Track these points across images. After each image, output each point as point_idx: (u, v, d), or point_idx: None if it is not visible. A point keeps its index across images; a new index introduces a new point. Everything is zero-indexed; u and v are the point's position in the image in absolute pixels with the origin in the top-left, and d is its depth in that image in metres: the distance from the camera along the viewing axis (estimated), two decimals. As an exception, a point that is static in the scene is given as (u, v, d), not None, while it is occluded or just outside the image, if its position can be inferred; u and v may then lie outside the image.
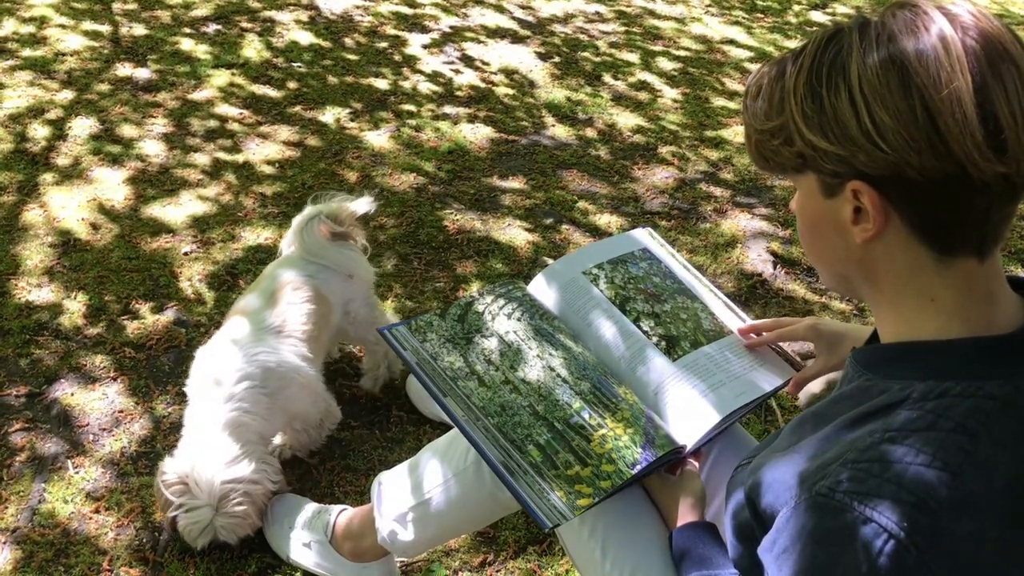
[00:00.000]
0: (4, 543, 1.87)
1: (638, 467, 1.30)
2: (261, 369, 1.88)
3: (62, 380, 2.25)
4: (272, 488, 1.86)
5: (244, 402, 1.84)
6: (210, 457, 1.77)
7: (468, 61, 4.08)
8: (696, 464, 1.41)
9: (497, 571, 1.89)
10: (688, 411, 1.42)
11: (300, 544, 1.83)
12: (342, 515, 1.83)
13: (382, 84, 3.80)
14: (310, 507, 1.87)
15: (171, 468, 1.79)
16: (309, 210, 2.12)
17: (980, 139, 0.79)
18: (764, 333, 1.50)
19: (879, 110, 0.81)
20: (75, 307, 2.47)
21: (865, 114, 0.82)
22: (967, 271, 0.88)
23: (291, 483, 2.03)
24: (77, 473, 2.03)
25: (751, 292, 2.74)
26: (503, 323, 1.51)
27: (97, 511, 1.95)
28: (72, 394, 2.22)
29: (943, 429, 0.82)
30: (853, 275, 0.95)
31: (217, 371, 1.87)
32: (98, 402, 2.20)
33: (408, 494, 1.60)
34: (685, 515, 1.30)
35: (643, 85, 4.03)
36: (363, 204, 2.17)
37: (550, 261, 2.62)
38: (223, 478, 1.76)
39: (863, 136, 0.82)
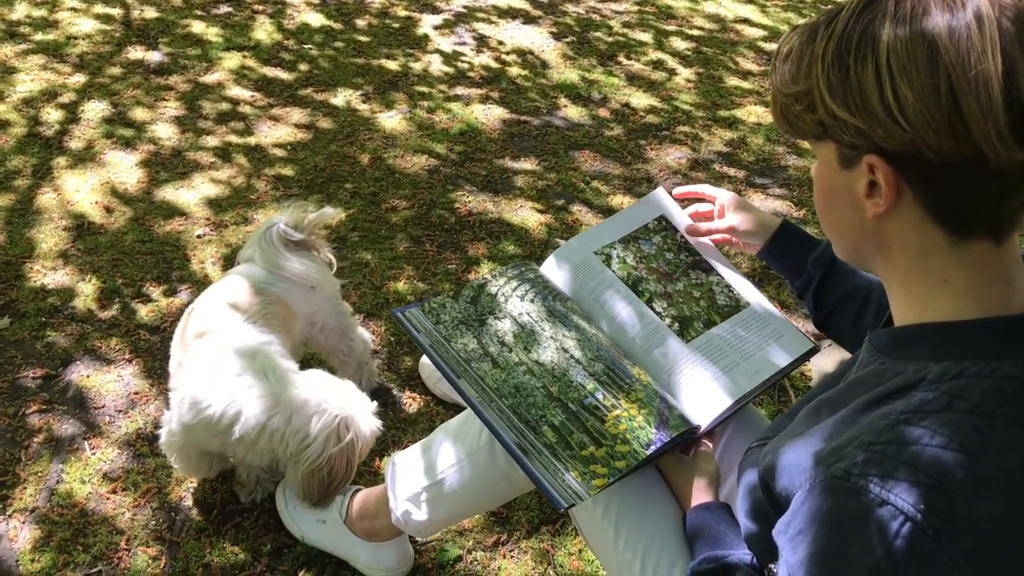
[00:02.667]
0: (24, 523, 1.89)
1: (652, 447, 1.31)
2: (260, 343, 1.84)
3: (78, 362, 2.27)
4: None
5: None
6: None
7: (480, 42, 4.06)
8: (710, 445, 1.41)
9: (510, 551, 1.90)
10: (701, 394, 1.41)
11: (315, 523, 1.84)
12: (356, 495, 1.84)
13: (394, 65, 3.79)
14: (325, 488, 1.88)
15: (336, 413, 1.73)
16: (268, 219, 1.98)
17: (1003, 125, 0.77)
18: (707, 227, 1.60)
19: (903, 86, 0.79)
20: (89, 290, 2.49)
21: (888, 89, 0.80)
22: (982, 254, 0.87)
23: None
24: (94, 454, 2.04)
25: (764, 272, 2.73)
26: (516, 305, 1.51)
27: (114, 491, 1.97)
28: (88, 376, 2.23)
29: (959, 410, 0.81)
30: (866, 249, 0.94)
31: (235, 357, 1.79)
32: (113, 384, 2.22)
33: (422, 474, 1.61)
34: (699, 495, 1.30)
35: (656, 65, 4.00)
36: (328, 213, 2.04)
37: (562, 242, 2.61)
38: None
39: (884, 111, 0.81)
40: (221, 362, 1.76)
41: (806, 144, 3.44)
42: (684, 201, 1.67)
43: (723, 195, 1.59)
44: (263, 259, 1.97)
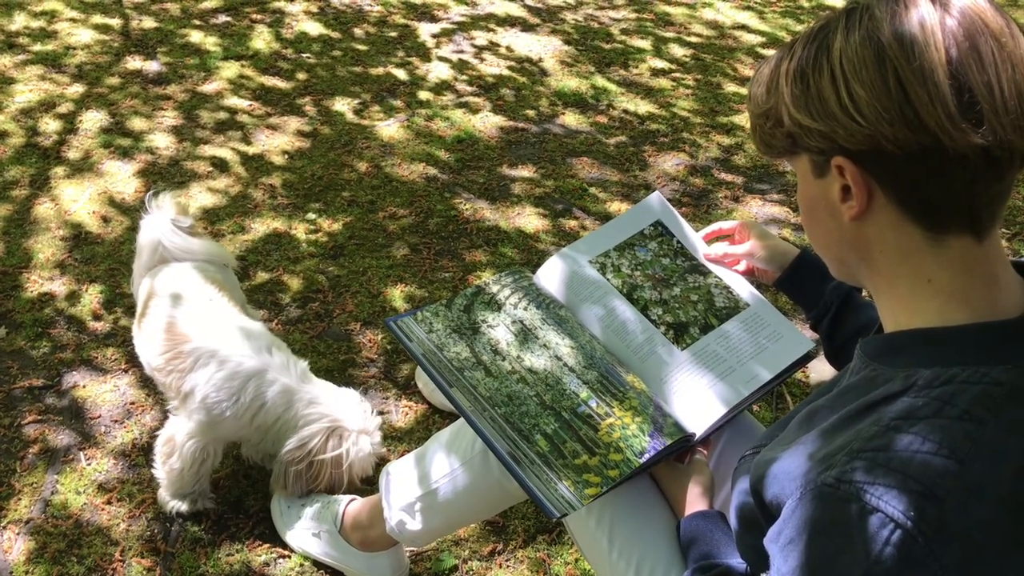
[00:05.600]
0: (18, 534, 1.88)
1: (646, 456, 1.30)
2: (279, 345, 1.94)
3: (74, 372, 2.26)
4: None
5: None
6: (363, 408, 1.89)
7: (478, 50, 4.07)
8: (705, 452, 1.40)
9: (506, 560, 1.89)
10: (696, 401, 1.41)
11: (309, 534, 1.83)
12: (351, 505, 1.83)
13: (392, 74, 3.79)
14: (319, 497, 1.88)
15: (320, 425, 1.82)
16: (158, 216, 2.09)
17: (953, 110, 0.80)
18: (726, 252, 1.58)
19: (855, 84, 0.83)
20: (86, 300, 2.48)
21: (843, 89, 0.84)
22: (964, 251, 0.87)
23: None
24: (89, 464, 2.04)
25: (757, 281, 2.71)
26: (510, 312, 1.50)
27: (109, 502, 1.96)
28: (84, 386, 2.23)
29: (949, 416, 0.81)
30: (850, 259, 0.95)
31: (273, 359, 1.87)
32: (109, 394, 2.21)
33: (416, 484, 1.60)
34: (694, 503, 1.29)
35: (655, 72, 4.00)
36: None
37: (560, 249, 2.60)
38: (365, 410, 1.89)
39: (841, 111, 0.84)
40: (244, 357, 1.83)
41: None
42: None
43: (742, 223, 1.59)
44: (176, 251, 2.07)
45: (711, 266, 1.59)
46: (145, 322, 1.95)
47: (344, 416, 1.84)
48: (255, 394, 1.81)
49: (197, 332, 1.87)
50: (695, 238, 1.63)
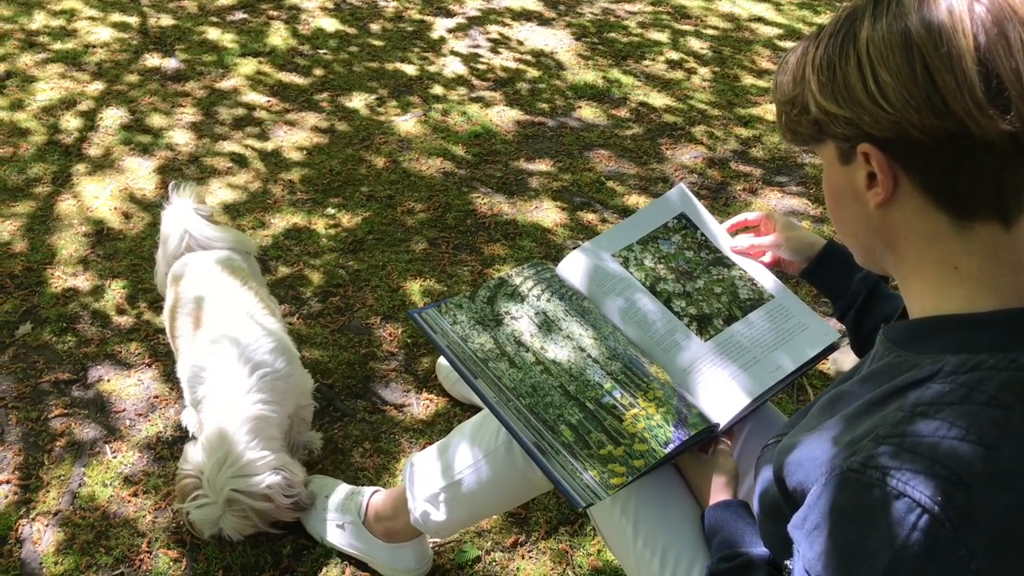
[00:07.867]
0: (47, 526, 1.91)
1: (671, 446, 1.30)
2: (269, 355, 1.87)
3: (98, 367, 2.29)
4: (286, 502, 1.80)
5: (263, 392, 1.81)
6: (227, 460, 1.74)
7: (494, 44, 4.07)
8: (728, 443, 1.41)
9: (529, 551, 1.90)
10: (720, 391, 1.41)
11: (334, 525, 1.85)
12: (375, 496, 1.84)
13: (408, 69, 3.80)
14: (343, 489, 1.89)
15: (191, 459, 1.77)
16: (182, 206, 2.14)
17: (980, 96, 0.80)
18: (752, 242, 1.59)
19: (882, 71, 0.84)
20: (110, 295, 2.51)
21: (870, 76, 0.85)
22: (991, 238, 0.87)
23: (323, 466, 2.06)
24: (115, 457, 2.06)
25: (782, 272, 2.71)
26: (533, 304, 1.51)
27: (135, 494, 1.98)
28: (108, 380, 2.25)
29: (977, 402, 0.81)
30: (876, 246, 0.95)
31: (228, 366, 1.84)
32: (134, 388, 2.24)
33: (440, 475, 1.61)
34: (717, 493, 1.29)
35: (672, 64, 3.99)
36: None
37: (579, 243, 2.61)
38: (235, 487, 1.73)
39: (867, 98, 0.85)
40: (224, 360, 1.85)
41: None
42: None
43: (766, 214, 1.59)
44: (201, 238, 2.12)
45: (735, 258, 1.59)
46: (180, 308, 2.01)
47: (212, 475, 1.74)
48: (202, 394, 1.85)
49: (211, 323, 1.92)
50: (719, 230, 1.63)
